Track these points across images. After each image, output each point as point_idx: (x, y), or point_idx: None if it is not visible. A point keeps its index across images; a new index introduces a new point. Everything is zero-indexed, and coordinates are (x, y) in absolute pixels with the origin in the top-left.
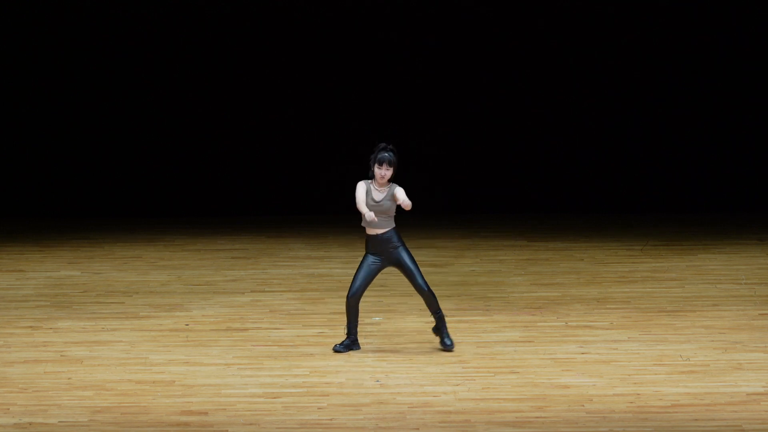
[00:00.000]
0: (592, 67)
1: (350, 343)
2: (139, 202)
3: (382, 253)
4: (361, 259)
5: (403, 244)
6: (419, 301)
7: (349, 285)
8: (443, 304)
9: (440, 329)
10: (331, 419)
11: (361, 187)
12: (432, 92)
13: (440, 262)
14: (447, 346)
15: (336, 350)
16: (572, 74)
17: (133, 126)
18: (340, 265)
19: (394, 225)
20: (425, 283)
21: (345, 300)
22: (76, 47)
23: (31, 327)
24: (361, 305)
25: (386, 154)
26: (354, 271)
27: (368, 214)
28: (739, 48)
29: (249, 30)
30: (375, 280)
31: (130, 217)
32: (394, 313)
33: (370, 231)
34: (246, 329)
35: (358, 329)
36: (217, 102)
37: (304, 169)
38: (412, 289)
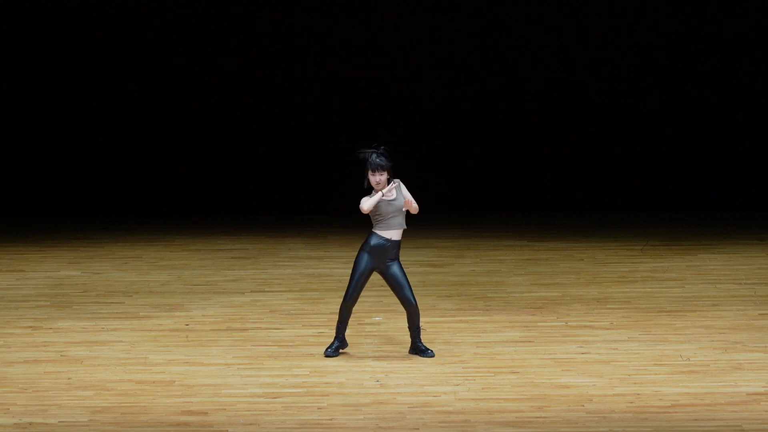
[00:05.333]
0: (591, 66)
1: (339, 344)
2: (139, 202)
3: (379, 257)
4: (356, 256)
5: (398, 256)
6: (419, 300)
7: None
8: (443, 304)
9: (417, 346)
10: (331, 419)
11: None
12: (432, 92)
13: (440, 262)
14: (430, 355)
15: (328, 355)
16: (572, 74)
17: (133, 126)
18: (340, 265)
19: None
20: (413, 296)
21: (341, 305)
22: (76, 47)
23: (31, 327)
24: (362, 305)
25: (377, 160)
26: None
27: (385, 190)
28: (739, 48)
29: (249, 30)
30: (377, 280)
31: (130, 217)
32: (394, 313)
33: (385, 233)
34: (246, 329)
35: (358, 329)
36: (217, 102)
37: (304, 169)
38: (412, 288)
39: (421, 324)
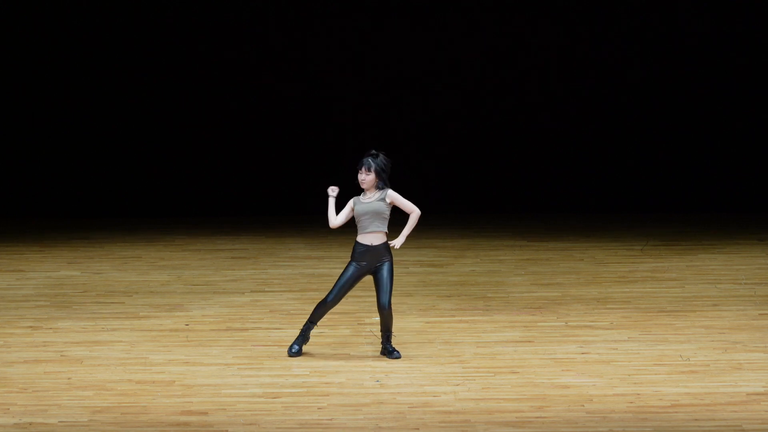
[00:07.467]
0: (592, 67)
1: (303, 340)
2: (139, 202)
3: (368, 263)
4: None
5: (391, 259)
6: (419, 300)
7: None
8: (443, 304)
9: (387, 347)
10: (331, 419)
11: (350, 202)
12: (432, 92)
13: (440, 262)
14: (396, 356)
15: (292, 354)
16: (572, 74)
17: (133, 126)
18: (340, 265)
19: (386, 239)
20: (389, 302)
21: (319, 303)
22: (76, 47)
23: (31, 327)
24: (362, 305)
25: (366, 159)
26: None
27: (331, 189)
28: (739, 48)
29: (248, 30)
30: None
31: (130, 217)
32: (393, 313)
33: (364, 240)
34: (246, 329)
35: (358, 329)
36: (216, 102)
37: (305, 169)
38: (413, 288)
39: (393, 331)
